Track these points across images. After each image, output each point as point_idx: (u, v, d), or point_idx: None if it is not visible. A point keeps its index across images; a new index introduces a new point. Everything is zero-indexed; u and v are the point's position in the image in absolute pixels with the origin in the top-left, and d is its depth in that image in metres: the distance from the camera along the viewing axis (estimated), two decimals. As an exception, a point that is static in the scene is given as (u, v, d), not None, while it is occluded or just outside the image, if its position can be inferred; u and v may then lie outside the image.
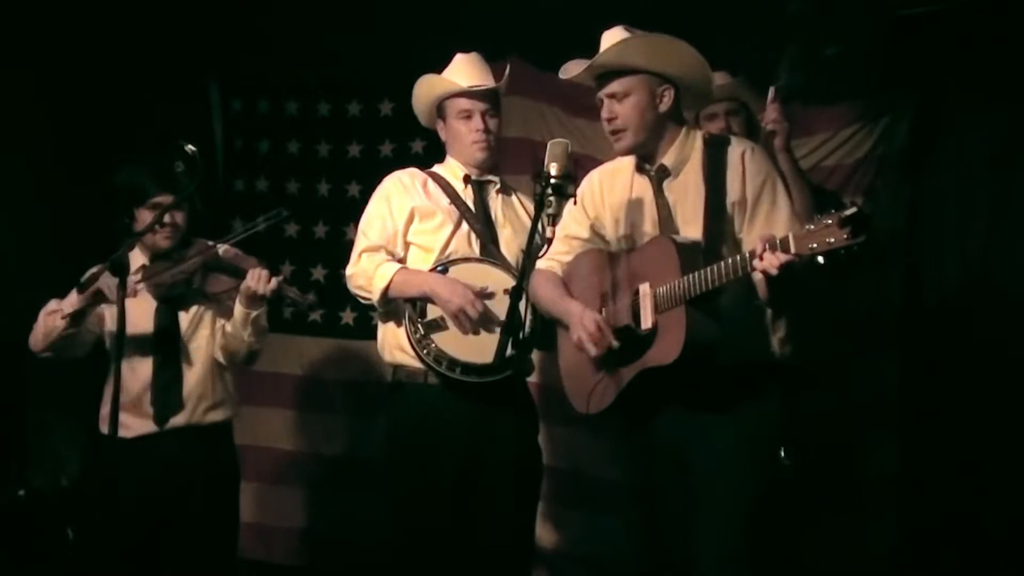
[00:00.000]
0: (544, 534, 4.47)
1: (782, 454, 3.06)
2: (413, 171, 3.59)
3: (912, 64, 4.13)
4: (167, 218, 3.49)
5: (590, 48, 3.45)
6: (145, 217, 3.52)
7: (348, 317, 5.06)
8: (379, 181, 4.99)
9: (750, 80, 3.81)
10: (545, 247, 2.95)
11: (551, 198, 2.88)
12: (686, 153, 3.01)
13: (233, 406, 3.72)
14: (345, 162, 5.09)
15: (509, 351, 2.95)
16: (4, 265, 4.59)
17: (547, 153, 2.93)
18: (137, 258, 3.58)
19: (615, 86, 3.01)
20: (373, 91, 5.04)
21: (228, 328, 3.59)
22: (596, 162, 4.56)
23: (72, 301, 3.43)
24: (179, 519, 3.52)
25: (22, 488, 4.37)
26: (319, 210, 5.12)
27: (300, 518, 5.05)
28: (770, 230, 2.81)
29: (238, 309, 3.54)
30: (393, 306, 3.44)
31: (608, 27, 3.08)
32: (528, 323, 3.35)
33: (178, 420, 3.56)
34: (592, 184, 3.20)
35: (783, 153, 3.47)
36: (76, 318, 3.44)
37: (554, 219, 2.91)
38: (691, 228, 2.96)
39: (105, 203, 3.65)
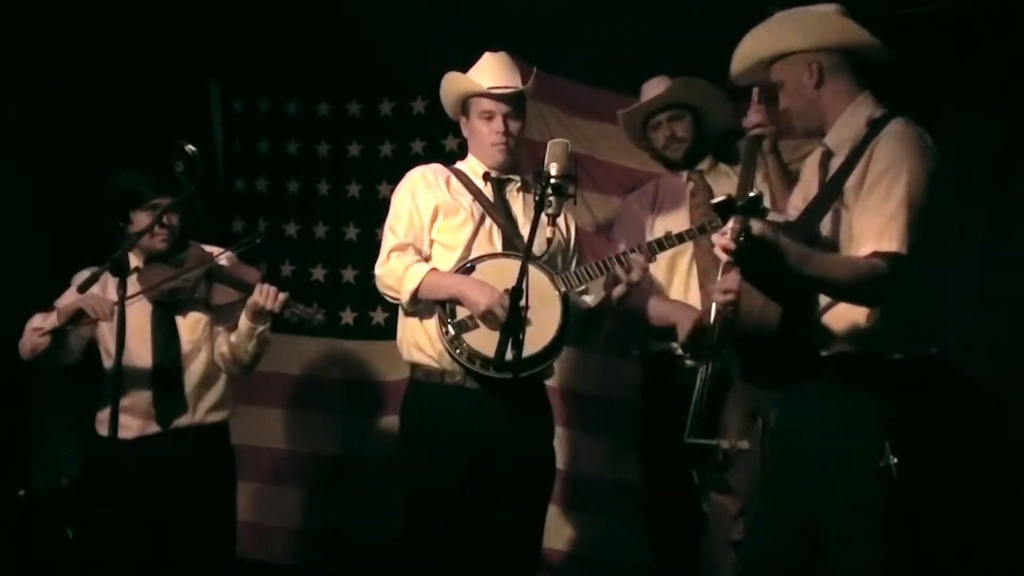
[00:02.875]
0: (546, 534, 4.47)
1: (888, 451, 2.85)
2: (436, 167, 3.57)
3: (912, 64, 4.13)
4: (163, 220, 3.49)
5: (587, 48, 3.45)
6: (141, 219, 3.52)
7: (348, 317, 5.06)
8: (379, 181, 5.06)
9: (684, 82, 3.82)
10: (547, 246, 2.94)
11: (551, 198, 2.87)
12: (846, 133, 2.91)
13: (231, 406, 3.73)
14: (345, 162, 5.10)
15: (509, 351, 2.94)
16: (4, 265, 4.59)
17: (547, 153, 2.93)
18: (131, 260, 3.57)
19: (773, 75, 2.96)
20: (373, 91, 5.04)
21: (232, 339, 3.60)
22: (596, 162, 4.59)
23: (53, 320, 3.45)
24: (180, 519, 3.52)
25: (22, 488, 4.37)
26: (319, 210, 5.12)
27: (299, 518, 5.04)
28: (863, 222, 2.77)
29: (244, 323, 3.56)
30: (421, 307, 3.42)
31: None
32: (557, 324, 3.34)
33: (181, 421, 3.57)
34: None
35: (771, 155, 3.47)
36: (57, 336, 3.46)
37: (554, 219, 2.90)
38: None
39: (98, 205, 3.65)
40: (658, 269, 3.76)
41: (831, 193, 2.86)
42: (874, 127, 2.85)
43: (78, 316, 3.41)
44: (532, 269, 3.27)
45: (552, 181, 2.88)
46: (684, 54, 4.22)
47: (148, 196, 3.51)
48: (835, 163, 2.91)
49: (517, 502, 3.37)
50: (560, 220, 3.30)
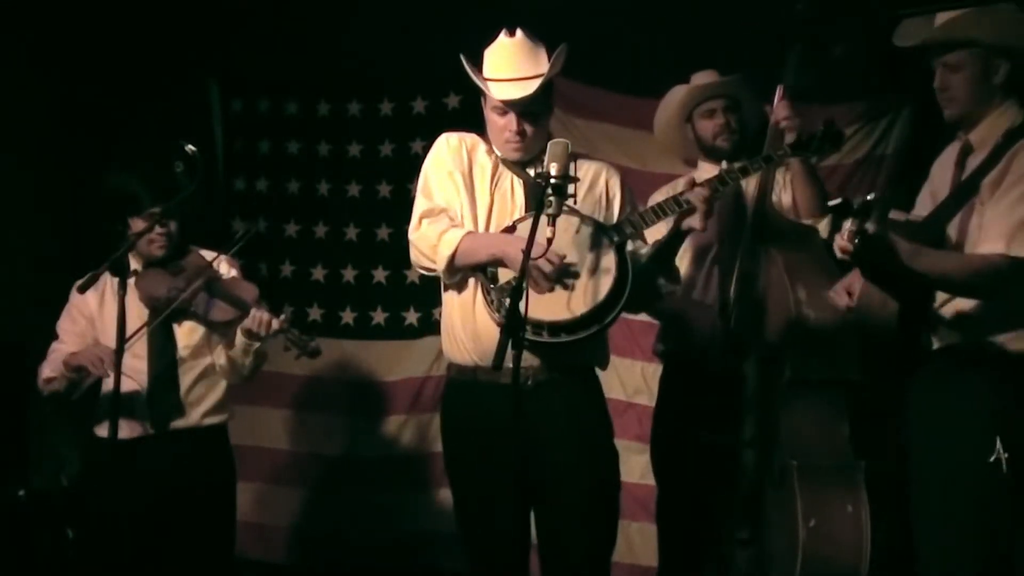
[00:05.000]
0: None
1: (999, 446, 2.83)
2: (463, 134, 3.28)
3: (912, 64, 4.13)
4: (161, 227, 3.49)
5: (587, 48, 3.39)
6: (139, 223, 3.53)
7: (348, 317, 5.06)
8: (379, 181, 5.06)
9: (742, 79, 3.82)
10: (547, 246, 2.90)
11: (551, 198, 2.83)
12: (992, 133, 2.95)
13: (229, 408, 3.74)
14: (345, 162, 5.10)
15: (509, 351, 2.86)
16: (5, 265, 4.59)
17: (547, 153, 2.88)
18: (130, 263, 3.57)
19: (951, 56, 2.96)
20: (373, 91, 5.04)
21: (228, 353, 3.59)
22: (596, 162, 4.59)
23: (61, 372, 3.52)
24: (176, 521, 3.52)
25: (22, 488, 4.37)
26: (319, 210, 5.12)
27: (300, 518, 5.04)
28: (993, 218, 2.80)
29: (239, 340, 3.55)
30: (459, 278, 3.14)
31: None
32: (613, 275, 3.06)
33: (177, 424, 3.57)
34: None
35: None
36: (68, 388, 3.56)
37: (554, 219, 2.86)
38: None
39: (97, 205, 3.65)
40: (682, 264, 3.61)
41: (968, 189, 2.89)
42: (1016, 133, 2.89)
43: (80, 371, 3.47)
44: (578, 222, 3.11)
45: (552, 181, 2.83)
46: (685, 55, 4.22)
47: (147, 203, 3.52)
48: (972, 161, 2.95)
49: (567, 505, 3.10)
50: (600, 180, 3.22)
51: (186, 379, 3.59)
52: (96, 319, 3.62)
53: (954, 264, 2.83)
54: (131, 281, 3.45)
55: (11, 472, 4.44)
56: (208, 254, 3.65)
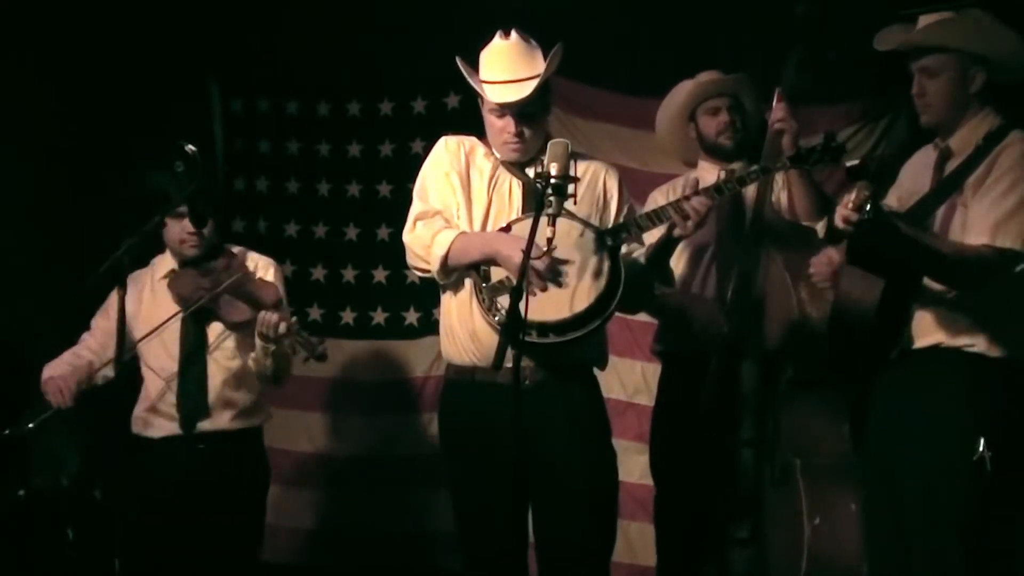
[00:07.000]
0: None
1: (981, 448, 2.85)
2: (462, 138, 3.27)
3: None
4: (190, 228, 3.53)
5: (587, 48, 3.40)
6: (172, 223, 3.58)
7: (348, 317, 5.06)
8: (379, 181, 5.06)
9: (746, 79, 3.82)
10: (546, 247, 2.91)
11: (551, 198, 2.83)
12: (971, 138, 2.98)
13: (264, 413, 3.77)
14: (345, 162, 5.10)
15: (509, 351, 2.84)
16: (5, 265, 4.59)
17: (547, 153, 2.89)
18: (167, 262, 3.67)
19: (928, 61, 2.99)
20: (373, 91, 5.04)
21: (252, 355, 3.61)
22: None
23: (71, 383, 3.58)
24: (202, 522, 3.52)
25: (22, 488, 4.37)
26: (319, 210, 5.12)
27: (299, 518, 5.04)
28: (979, 211, 2.84)
29: (256, 342, 3.55)
30: (455, 279, 3.15)
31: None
32: (605, 278, 3.05)
33: (204, 425, 3.59)
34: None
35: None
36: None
37: (554, 219, 2.86)
38: None
39: (128, 205, 3.71)
40: (678, 263, 3.64)
41: (948, 187, 2.92)
42: (995, 136, 2.93)
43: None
44: (572, 224, 3.09)
45: (552, 181, 2.83)
46: (685, 55, 4.22)
47: (176, 202, 3.52)
48: (951, 165, 2.98)
49: (565, 505, 3.10)
50: (599, 180, 3.22)
51: (215, 380, 3.60)
52: (133, 316, 3.62)
53: (946, 249, 2.84)
54: (166, 281, 3.58)
55: (11, 472, 4.44)
56: (252, 256, 3.70)
